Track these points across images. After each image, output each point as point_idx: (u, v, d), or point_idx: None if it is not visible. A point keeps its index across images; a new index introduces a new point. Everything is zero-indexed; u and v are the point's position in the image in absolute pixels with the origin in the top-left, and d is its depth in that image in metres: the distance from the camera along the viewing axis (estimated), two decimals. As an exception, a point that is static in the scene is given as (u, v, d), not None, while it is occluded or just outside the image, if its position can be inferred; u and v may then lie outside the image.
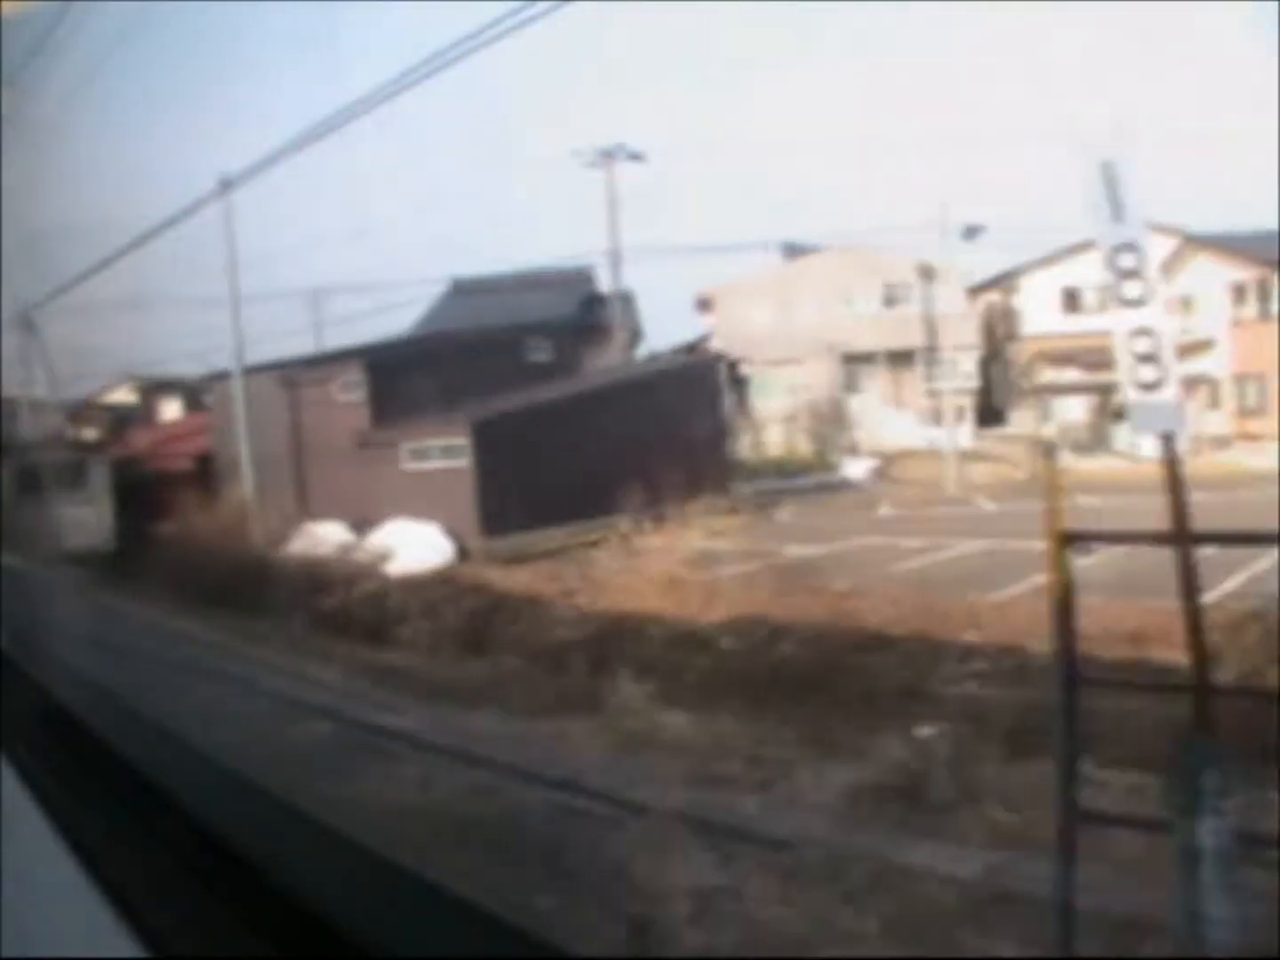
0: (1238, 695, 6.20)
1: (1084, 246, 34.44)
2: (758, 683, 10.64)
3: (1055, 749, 4.29)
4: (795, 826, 6.86)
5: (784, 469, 27.68)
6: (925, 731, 8.72)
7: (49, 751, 1.67)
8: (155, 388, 35.26)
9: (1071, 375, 31.98)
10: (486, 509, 16.65)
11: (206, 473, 21.30)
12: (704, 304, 34.33)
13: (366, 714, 9.10)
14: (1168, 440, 4.77)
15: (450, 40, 13.76)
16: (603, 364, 25.55)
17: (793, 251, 33.87)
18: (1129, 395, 4.93)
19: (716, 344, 34.06)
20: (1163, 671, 7.48)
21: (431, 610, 13.84)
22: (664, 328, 36.38)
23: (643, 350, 31.70)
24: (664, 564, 16.21)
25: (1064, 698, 4.24)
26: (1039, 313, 33.99)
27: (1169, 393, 4.79)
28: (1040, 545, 15.65)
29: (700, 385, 20.84)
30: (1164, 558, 4.41)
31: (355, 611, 14.39)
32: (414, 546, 16.39)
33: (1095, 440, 30.76)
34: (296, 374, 19.64)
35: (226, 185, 18.19)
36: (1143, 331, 4.77)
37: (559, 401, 18.36)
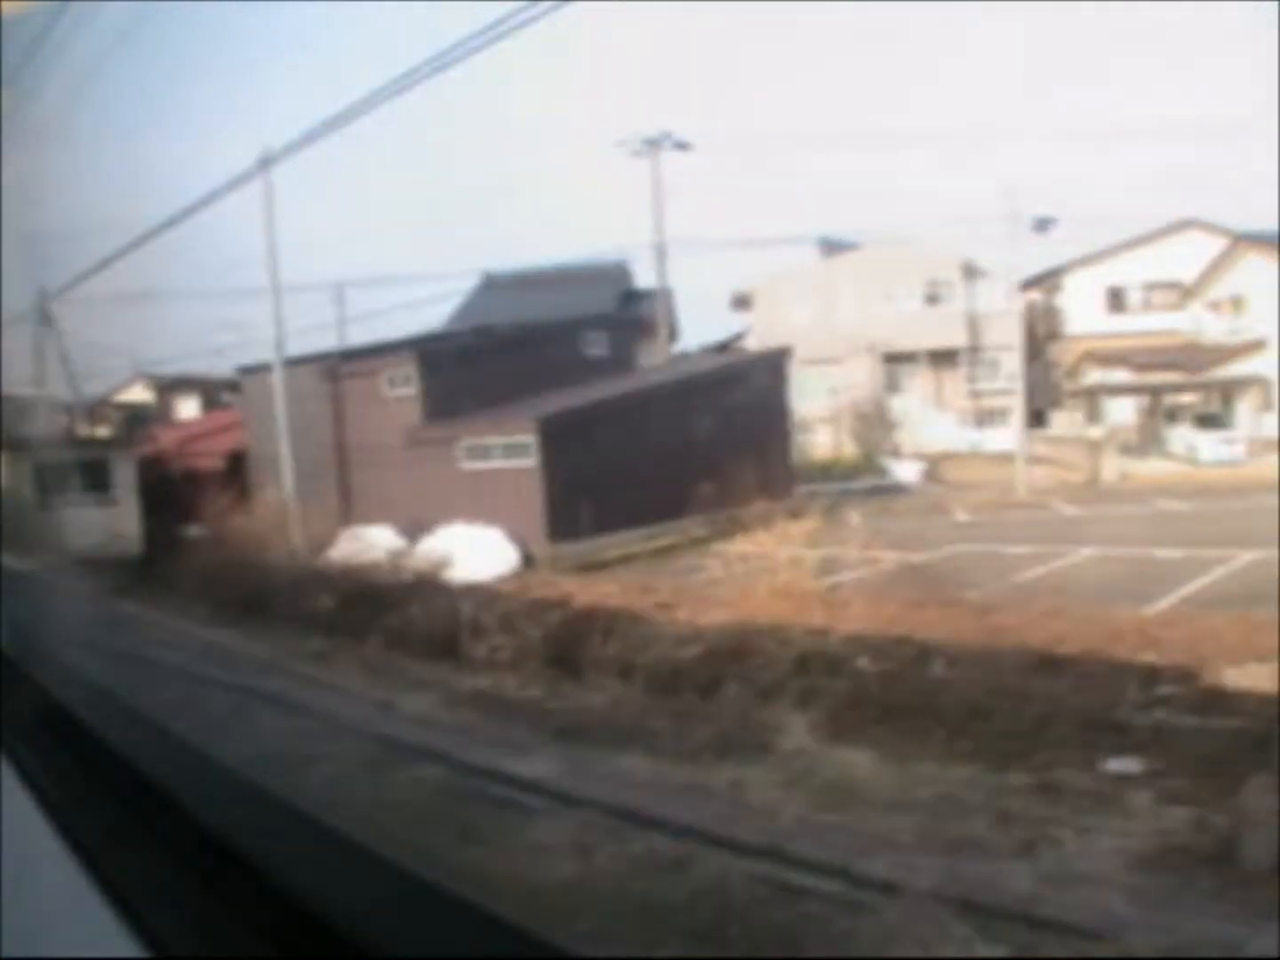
0: None
1: (1129, 245, 33.11)
2: (922, 712, 8.98)
3: None
4: (1097, 907, 5.21)
5: (830, 471, 26.07)
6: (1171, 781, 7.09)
7: (86, 797, 1.40)
8: (171, 385, 33.49)
9: (1121, 376, 30.49)
10: (554, 512, 14.95)
11: (238, 472, 19.53)
12: (741, 301, 32.75)
13: (484, 756, 7.41)
14: None
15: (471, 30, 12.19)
16: (647, 360, 23.86)
17: (831, 248, 32.32)
18: None
19: (751, 342, 32.48)
20: None
21: (511, 625, 12.11)
22: (694, 324, 34.75)
23: (675, 348, 30.08)
24: (760, 573, 14.61)
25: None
26: (1083, 312, 32.53)
27: None
28: (1157, 553, 13.80)
29: (765, 382, 19.19)
30: None
31: (422, 625, 12.67)
32: (475, 552, 14.67)
33: (1146, 443, 29.27)
34: (340, 367, 17.89)
35: (266, 162, 16.48)
36: None
37: (625, 397, 16.69)
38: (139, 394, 34.35)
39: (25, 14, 12.06)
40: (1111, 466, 26.10)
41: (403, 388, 17.09)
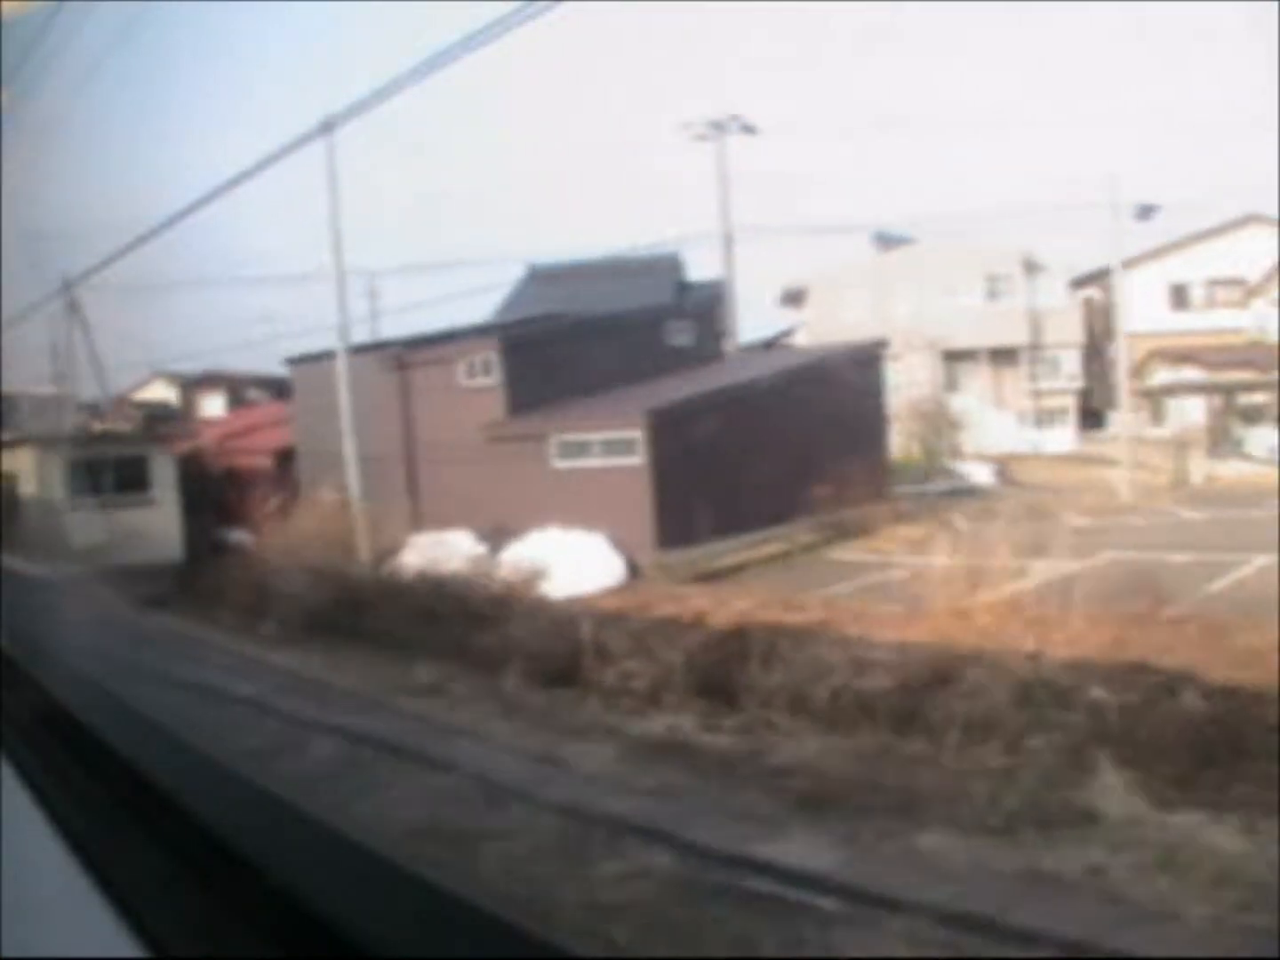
0: None
1: (1189, 240, 31.43)
2: (1210, 759, 7.13)
3: None
4: None
5: (901, 473, 24.20)
6: None
7: (85, 797, 1.34)
8: (195, 382, 31.44)
9: (1191, 375, 28.75)
10: (663, 516, 13.03)
11: (286, 471, 17.53)
12: (793, 297, 30.90)
13: (720, 835, 5.50)
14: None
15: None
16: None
17: (885, 242, 30.51)
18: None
19: (801, 339, 30.63)
20: None
21: (643, 648, 10.21)
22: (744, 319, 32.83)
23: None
24: (905, 584, 12.73)
25: None
26: (1145, 309, 30.75)
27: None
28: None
29: (862, 376, 17.31)
30: None
31: (532, 647, 10.75)
32: (574, 562, 12.71)
33: (1217, 444, 27.54)
34: (408, 355, 15.90)
35: (329, 126, 14.54)
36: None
37: (732, 390, 14.73)
38: (159, 391, 32.31)
39: (25, 14, 12.01)
40: (1198, 468, 24.36)
41: (482, 377, 15.09)
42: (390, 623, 12.33)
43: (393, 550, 14.56)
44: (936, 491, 22.26)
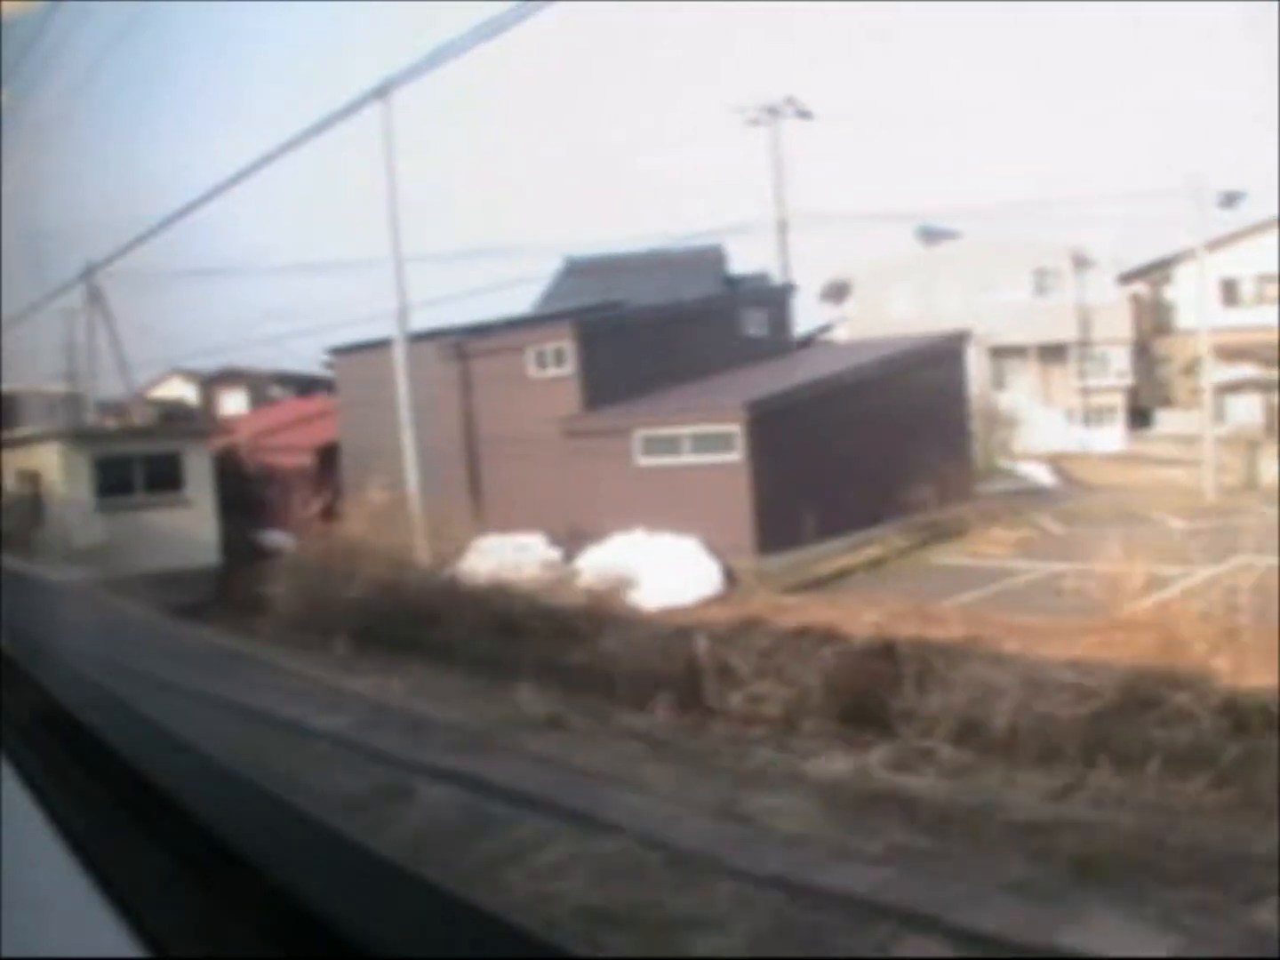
0: None
1: (1238, 235, 30.23)
2: None
3: None
4: None
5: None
6: None
7: (85, 797, 1.32)
8: (215, 379, 30.07)
9: (1247, 372, 27.56)
10: (762, 518, 11.71)
11: (329, 468, 16.17)
12: (836, 291, 29.64)
13: (1030, 930, 4.20)
14: None
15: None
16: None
17: (930, 236, 29.28)
18: None
19: (843, 333, 29.37)
20: None
21: (771, 667, 8.91)
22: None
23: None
24: (1036, 592, 11.46)
25: None
26: (1196, 305, 29.53)
27: None
28: None
29: (945, 370, 16.04)
30: None
31: (636, 666, 9.45)
32: (664, 568, 11.38)
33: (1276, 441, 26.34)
34: (470, 344, 14.53)
35: (383, 91, 13.22)
36: None
37: (825, 383, 13.36)
38: (175, 389, 30.91)
39: (24, 14, 11.81)
40: (1268, 468, 23.15)
41: (554, 367, 13.74)
42: (465, 637, 11.00)
43: (455, 554, 13.23)
44: (1002, 491, 21.04)
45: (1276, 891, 4.59)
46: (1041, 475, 23.71)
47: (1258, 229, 29.68)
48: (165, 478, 15.12)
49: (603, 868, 5.18)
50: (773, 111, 21.98)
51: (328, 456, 16.33)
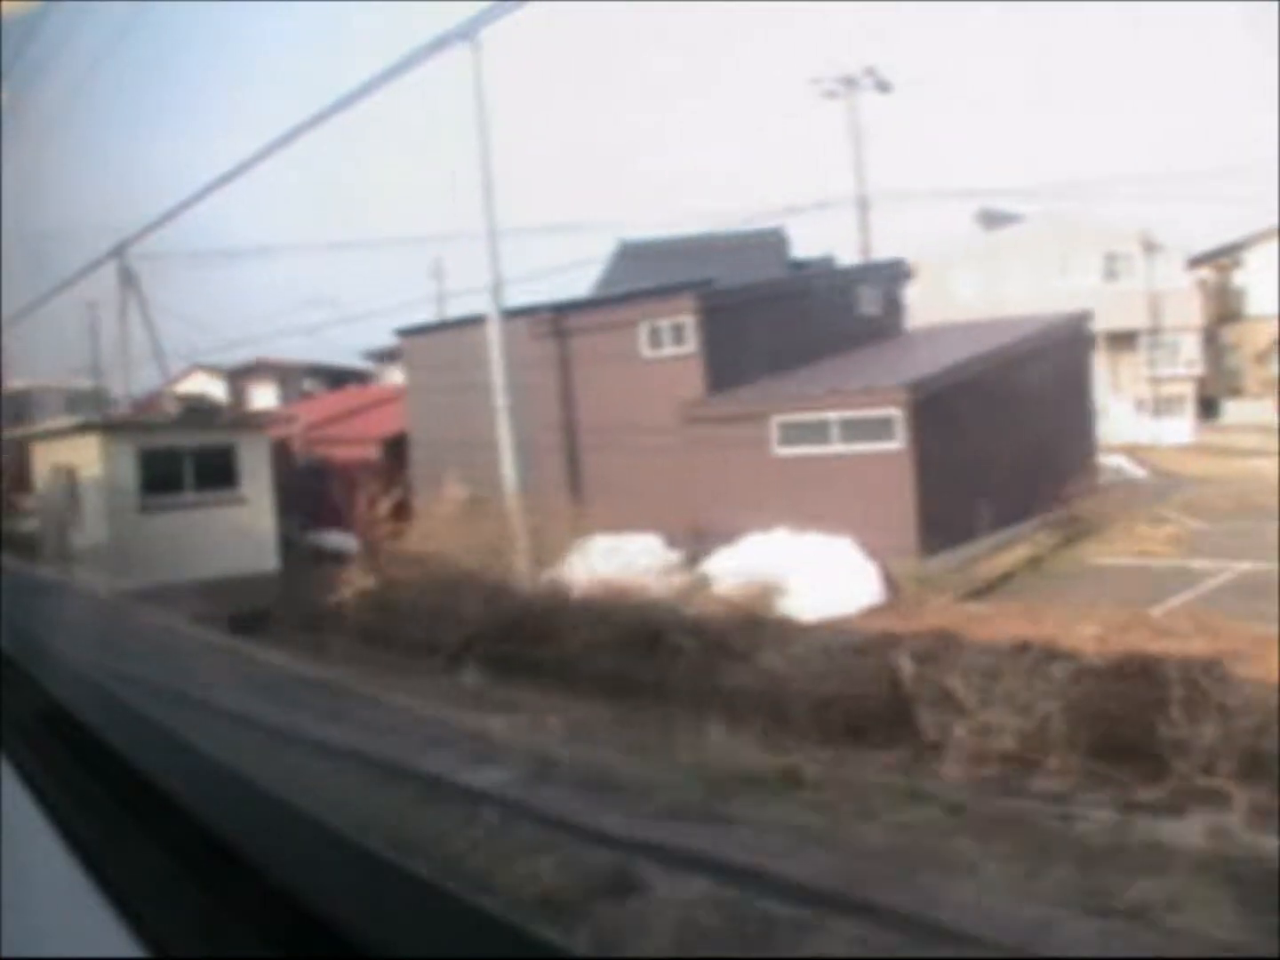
0: None
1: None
2: None
3: None
4: None
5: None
6: None
7: (85, 797, 1.29)
8: (243, 372, 28.36)
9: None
10: (927, 515, 10.12)
11: (397, 461, 14.53)
12: (897, 276, 28.02)
13: None
14: None
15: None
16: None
17: (991, 219, 27.73)
18: None
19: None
20: None
21: (999, 690, 7.32)
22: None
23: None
24: (1250, 596, 9.85)
25: None
26: (1268, 290, 28.02)
27: None
28: None
29: (1072, 354, 14.49)
30: None
31: (825, 692, 7.86)
32: (817, 573, 9.78)
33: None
34: (569, 320, 12.85)
35: (469, 34, 11.59)
36: None
37: (971, 365, 11.72)
38: (198, 384, 29.20)
39: (24, 14, 11.61)
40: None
41: (672, 346, 12.09)
42: (593, 655, 9.38)
43: (555, 558, 11.62)
44: (1104, 484, 19.54)
45: None
46: (1128, 467, 22.21)
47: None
48: (218, 473, 13.46)
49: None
50: (850, 83, 20.38)
51: (395, 449, 14.67)
